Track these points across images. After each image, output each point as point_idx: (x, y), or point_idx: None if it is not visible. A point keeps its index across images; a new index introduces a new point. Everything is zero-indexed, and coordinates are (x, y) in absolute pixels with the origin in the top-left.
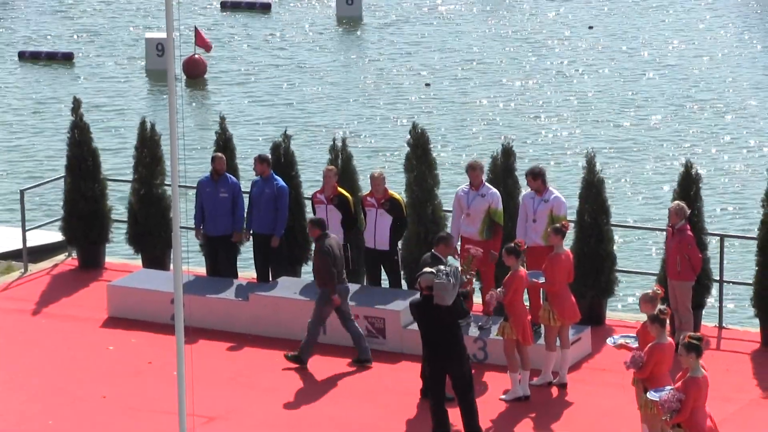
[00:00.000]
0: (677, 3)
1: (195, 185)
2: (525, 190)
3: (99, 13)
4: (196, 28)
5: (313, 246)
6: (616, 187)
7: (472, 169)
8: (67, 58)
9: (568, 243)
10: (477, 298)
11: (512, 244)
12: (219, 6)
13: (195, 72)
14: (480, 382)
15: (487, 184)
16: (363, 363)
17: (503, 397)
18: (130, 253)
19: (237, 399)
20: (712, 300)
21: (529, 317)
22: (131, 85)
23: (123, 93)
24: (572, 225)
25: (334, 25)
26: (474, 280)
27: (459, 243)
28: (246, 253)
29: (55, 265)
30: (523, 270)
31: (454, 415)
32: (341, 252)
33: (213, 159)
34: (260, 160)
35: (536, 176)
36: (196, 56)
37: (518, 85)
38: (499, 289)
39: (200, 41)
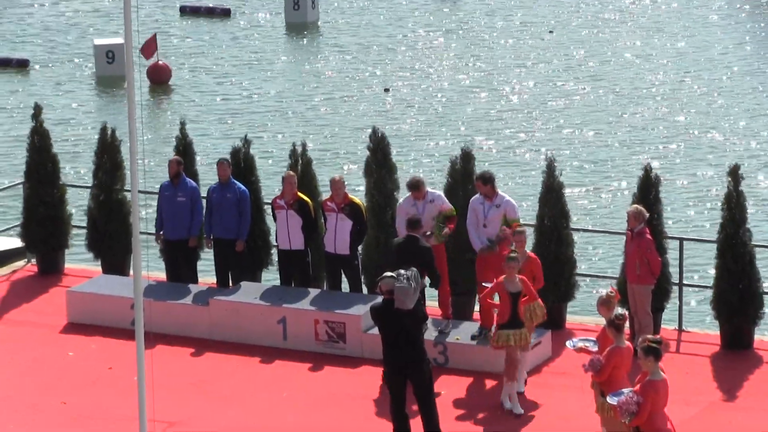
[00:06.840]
0: (637, 5)
1: (155, 191)
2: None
3: (51, 19)
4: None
5: (274, 251)
6: (576, 191)
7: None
8: (21, 65)
9: (527, 246)
10: (433, 302)
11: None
12: (178, 11)
13: (160, 78)
14: (440, 386)
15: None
16: None
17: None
18: (90, 258)
19: (198, 404)
20: (671, 303)
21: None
22: (85, 92)
23: (80, 100)
24: (531, 229)
25: (286, 30)
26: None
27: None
28: (206, 257)
29: (14, 271)
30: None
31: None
32: None
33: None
34: (227, 164)
35: (486, 181)
36: (161, 63)
37: (478, 88)
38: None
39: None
